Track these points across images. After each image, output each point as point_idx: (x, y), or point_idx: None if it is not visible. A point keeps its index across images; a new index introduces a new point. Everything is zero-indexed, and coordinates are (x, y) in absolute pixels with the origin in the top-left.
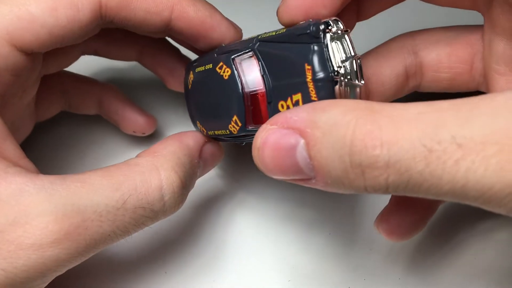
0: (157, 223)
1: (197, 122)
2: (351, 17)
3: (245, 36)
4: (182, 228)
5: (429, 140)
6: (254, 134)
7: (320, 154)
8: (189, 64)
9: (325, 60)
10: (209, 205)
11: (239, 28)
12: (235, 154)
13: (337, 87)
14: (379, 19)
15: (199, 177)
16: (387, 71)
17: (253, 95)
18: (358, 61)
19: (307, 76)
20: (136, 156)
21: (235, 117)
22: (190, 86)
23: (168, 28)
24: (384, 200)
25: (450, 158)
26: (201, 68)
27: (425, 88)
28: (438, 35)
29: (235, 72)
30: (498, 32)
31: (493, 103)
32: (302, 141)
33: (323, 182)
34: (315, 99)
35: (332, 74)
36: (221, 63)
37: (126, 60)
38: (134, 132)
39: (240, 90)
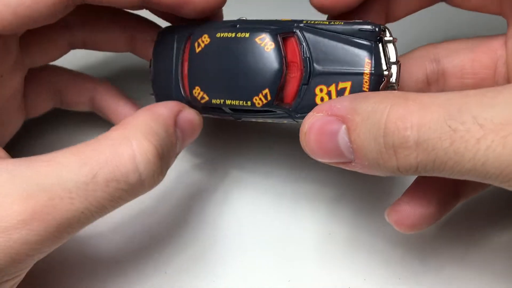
0: (157, 223)
1: (197, 87)
2: (380, 17)
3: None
4: (182, 228)
5: (453, 121)
6: (271, 112)
7: (359, 137)
8: (182, 28)
9: (382, 58)
10: (209, 206)
11: None
12: (235, 153)
13: (383, 84)
14: (406, 22)
15: (181, 149)
16: (406, 77)
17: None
18: (399, 67)
19: (365, 69)
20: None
21: (266, 91)
22: (199, 50)
23: (146, 0)
24: (385, 200)
25: (472, 137)
26: (227, 35)
27: None
28: (460, 44)
29: (281, 47)
30: None
31: None
32: (343, 127)
33: (361, 164)
34: (366, 90)
35: (386, 71)
36: (263, 35)
37: (117, 50)
38: None
39: (283, 66)
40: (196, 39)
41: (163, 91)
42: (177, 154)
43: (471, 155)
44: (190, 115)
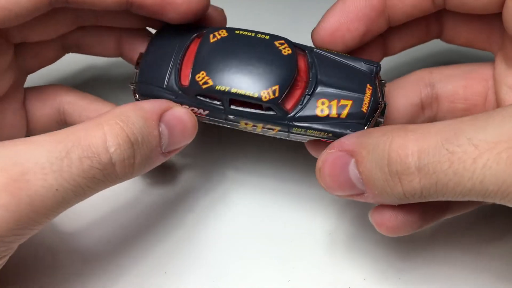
0: (157, 223)
1: (202, 72)
2: (379, 52)
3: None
4: (182, 228)
5: (450, 144)
6: (269, 113)
7: (366, 168)
8: (189, 26)
9: (378, 90)
10: (209, 206)
11: (220, 9)
12: (235, 154)
13: (377, 112)
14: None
15: (171, 147)
16: (402, 100)
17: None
18: (385, 106)
19: (367, 93)
20: None
21: (276, 87)
22: (213, 40)
23: (129, 3)
24: None
25: (469, 157)
26: (246, 33)
27: (441, 119)
28: (454, 70)
29: (296, 55)
30: (509, 65)
31: (504, 112)
32: (352, 160)
33: (372, 194)
34: (365, 110)
35: (381, 101)
36: (282, 41)
37: (108, 55)
38: None
39: (296, 69)
40: (212, 32)
41: (151, 80)
42: (167, 152)
43: (470, 174)
44: (179, 112)
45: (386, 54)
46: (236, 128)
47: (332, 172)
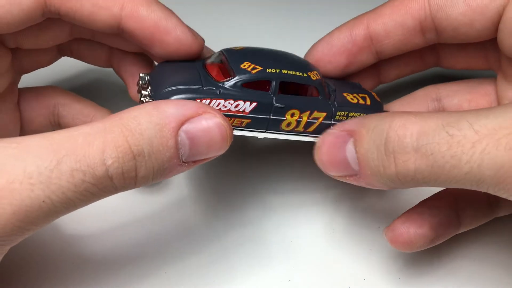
0: (157, 223)
1: (246, 62)
2: (372, 80)
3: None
4: (182, 228)
5: (451, 127)
6: (312, 100)
7: (363, 147)
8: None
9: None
10: (209, 206)
11: (200, 37)
12: (234, 155)
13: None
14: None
15: (192, 158)
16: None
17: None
18: None
19: (371, 92)
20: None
21: (316, 72)
22: (237, 49)
23: (120, 28)
24: (384, 201)
25: (468, 141)
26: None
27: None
28: (459, 85)
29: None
30: (509, 81)
31: (506, 105)
32: (351, 140)
33: (364, 174)
34: (379, 101)
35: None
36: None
37: (99, 64)
38: None
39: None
40: (229, 48)
41: (183, 82)
42: (186, 162)
43: (467, 157)
44: (207, 121)
45: (381, 82)
46: (277, 129)
47: (329, 150)
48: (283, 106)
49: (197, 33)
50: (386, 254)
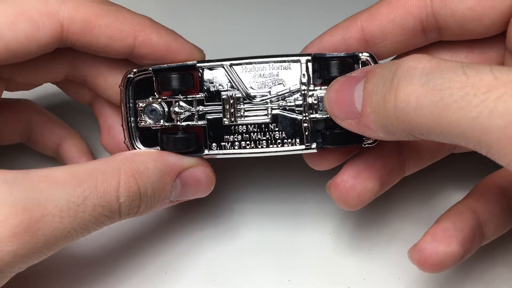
0: (157, 223)
1: None
2: (398, 175)
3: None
4: (182, 228)
5: (469, 68)
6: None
7: (372, 83)
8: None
9: None
10: (209, 206)
11: (201, 49)
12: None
13: None
14: None
15: (178, 198)
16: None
17: None
18: None
19: None
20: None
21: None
22: None
23: (132, 55)
24: (384, 200)
25: (484, 85)
26: None
27: (462, 149)
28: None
29: None
30: None
31: None
32: (364, 79)
33: (364, 113)
34: None
35: None
36: None
37: (80, 101)
38: None
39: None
40: None
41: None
42: (172, 201)
43: (479, 101)
44: (199, 173)
45: (405, 174)
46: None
47: (340, 87)
48: None
49: (198, 47)
50: (386, 254)
